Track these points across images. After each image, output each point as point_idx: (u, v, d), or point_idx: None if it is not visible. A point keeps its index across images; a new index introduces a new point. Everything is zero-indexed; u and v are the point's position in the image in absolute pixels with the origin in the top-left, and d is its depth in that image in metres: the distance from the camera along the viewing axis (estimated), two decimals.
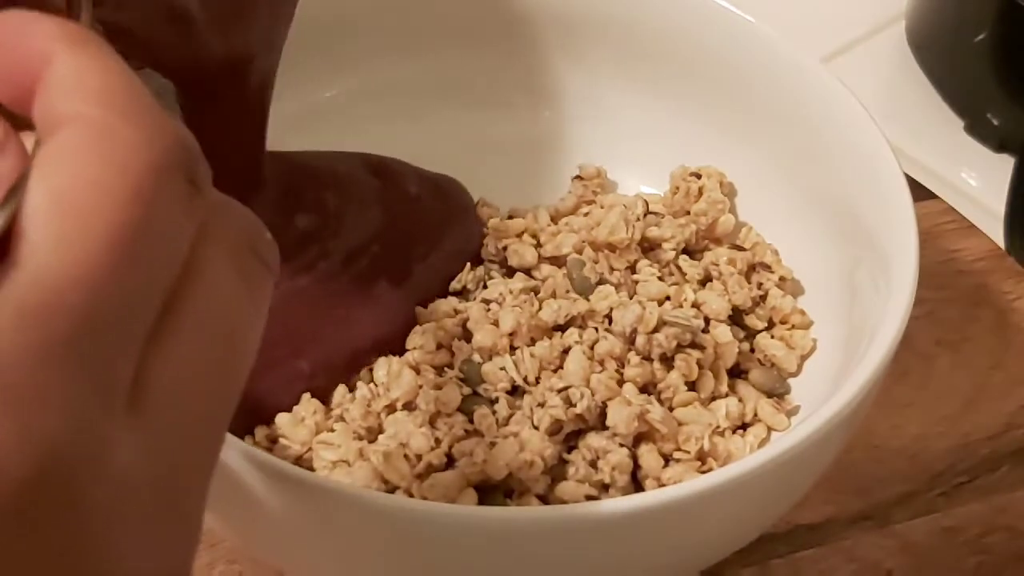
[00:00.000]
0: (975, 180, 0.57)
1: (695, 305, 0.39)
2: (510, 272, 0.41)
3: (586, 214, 0.43)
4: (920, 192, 0.50)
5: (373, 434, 0.36)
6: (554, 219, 0.43)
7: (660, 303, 0.39)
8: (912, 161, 0.57)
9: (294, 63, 0.37)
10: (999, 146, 0.58)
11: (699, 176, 0.43)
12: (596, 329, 0.38)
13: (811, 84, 0.40)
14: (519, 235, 0.42)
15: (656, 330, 0.37)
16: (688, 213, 0.43)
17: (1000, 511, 0.42)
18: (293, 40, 0.36)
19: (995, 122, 0.58)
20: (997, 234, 0.52)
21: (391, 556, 0.31)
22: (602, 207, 0.43)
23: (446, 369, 0.37)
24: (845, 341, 0.38)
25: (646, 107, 0.45)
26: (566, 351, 0.37)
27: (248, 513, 0.31)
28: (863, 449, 0.42)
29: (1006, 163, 0.56)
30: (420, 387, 0.36)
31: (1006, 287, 0.49)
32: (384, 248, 0.40)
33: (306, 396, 0.36)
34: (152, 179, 0.18)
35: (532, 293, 0.39)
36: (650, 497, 0.30)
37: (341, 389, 0.37)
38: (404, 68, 0.45)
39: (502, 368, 0.37)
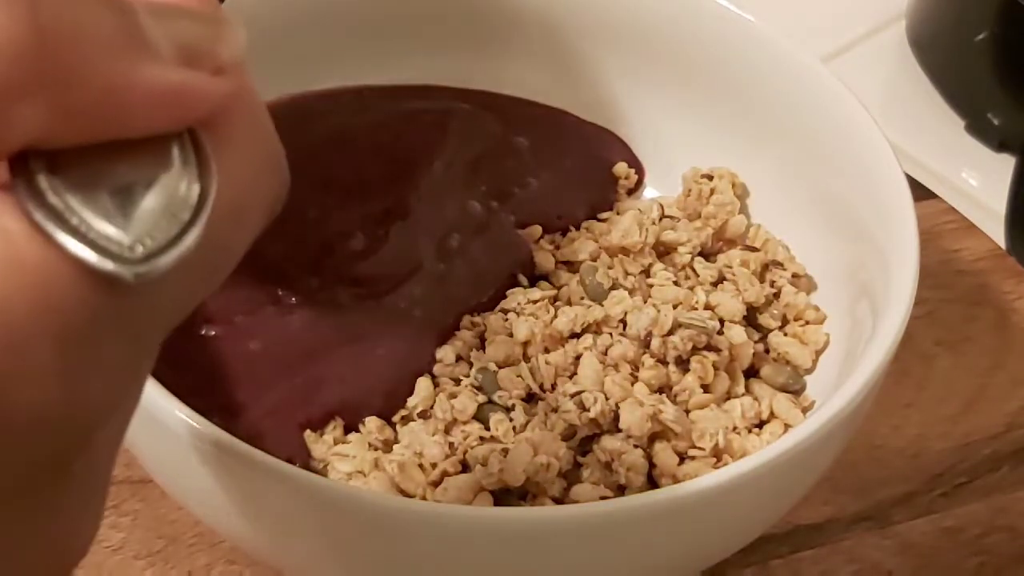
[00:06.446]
0: (975, 180, 0.57)
1: (708, 307, 0.39)
2: (534, 279, 0.41)
3: (604, 219, 0.43)
4: (920, 192, 0.50)
5: (388, 444, 0.36)
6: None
7: (675, 307, 0.39)
8: (912, 161, 0.57)
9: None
10: (999, 145, 0.58)
11: (711, 178, 0.43)
12: (610, 335, 0.38)
13: (811, 84, 0.40)
14: (537, 240, 0.42)
15: (671, 333, 0.37)
16: (700, 215, 0.43)
17: (1001, 511, 0.42)
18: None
19: (996, 121, 0.58)
20: (997, 234, 0.52)
21: (398, 559, 0.31)
22: (618, 213, 0.43)
23: (462, 378, 0.37)
24: (848, 339, 0.38)
25: (645, 108, 0.45)
26: (580, 356, 0.37)
27: (250, 516, 0.31)
28: (863, 449, 0.42)
29: (1007, 162, 0.56)
30: (436, 396, 0.36)
31: (1006, 287, 0.48)
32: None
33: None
34: None
35: (550, 301, 0.39)
36: (644, 498, 0.30)
37: None
38: (409, 69, 0.45)
39: (518, 375, 0.37)
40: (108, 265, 0.17)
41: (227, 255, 0.20)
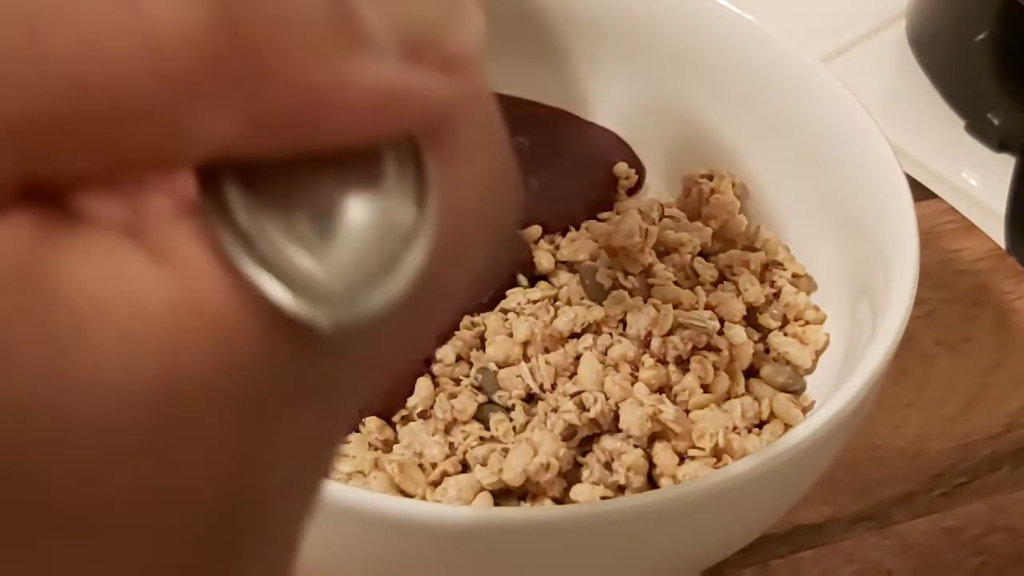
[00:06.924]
0: (975, 180, 0.57)
1: (708, 307, 0.39)
2: (534, 279, 0.41)
3: (604, 219, 0.43)
4: (920, 192, 0.50)
5: (388, 444, 0.36)
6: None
7: (675, 307, 0.39)
8: (912, 161, 0.57)
9: None
10: (999, 145, 0.58)
11: (711, 178, 0.43)
12: (610, 335, 0.38)
13: (811, 84, 0.40)
14: (536, 241, 0.42)
15: (671, 333, 0.37)
16: (700, 215, 0.43)
17: (1001, 511, 0.42)
18: None
19: (995, 121, 0.58)
20: (998, 234, 0.52)
21: (398, 559, 0.31)
22: (618, 213, 0.43)
23: (462, 378, 0.37)
24: (848, 339, 0.38)
25: (645, 108, 0.45)
26: (580, 356, 0.37)
27: None
28: (863, 449, 0.42)
29: (1007, 162, 0.56)
30: (436, 395, 0.36)
31: (1007, 287, 0.48)
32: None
33: None
34: None
35: (550, 301, 0.39)
36: (644, 498, 0.30)
37: None
38: None
39: (518, 376, 0.37)
40: (303, 308, 0.13)
41: (445, 299, 0.16)
